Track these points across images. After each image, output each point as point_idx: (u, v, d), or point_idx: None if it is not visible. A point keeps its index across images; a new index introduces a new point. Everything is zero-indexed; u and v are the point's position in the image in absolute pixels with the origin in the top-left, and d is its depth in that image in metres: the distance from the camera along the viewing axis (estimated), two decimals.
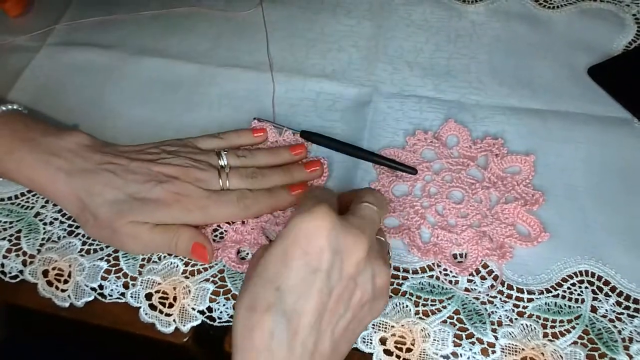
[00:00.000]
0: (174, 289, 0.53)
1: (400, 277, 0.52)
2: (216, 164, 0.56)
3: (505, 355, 0.47)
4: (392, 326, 0.49)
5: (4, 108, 0.57)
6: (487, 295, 0.51)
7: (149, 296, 0.53)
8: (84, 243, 0.56)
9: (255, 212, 0.55)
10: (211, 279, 0.53)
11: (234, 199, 0.54)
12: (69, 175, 0.53)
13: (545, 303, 0.50)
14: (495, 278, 0.52)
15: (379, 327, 0.49)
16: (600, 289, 0.51)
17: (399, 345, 0.49)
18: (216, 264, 0.54)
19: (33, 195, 0.60)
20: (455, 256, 0.53)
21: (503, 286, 0.51)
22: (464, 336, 0.49)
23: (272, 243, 0.41)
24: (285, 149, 0.60)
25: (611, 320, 0.49)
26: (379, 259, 0.43)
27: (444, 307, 0.50)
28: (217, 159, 0.57)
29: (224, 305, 0.52)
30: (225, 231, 0.56)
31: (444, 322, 0.49)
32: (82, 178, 0.53)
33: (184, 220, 0.53)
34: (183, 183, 0.53)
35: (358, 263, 0.41)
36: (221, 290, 0.52)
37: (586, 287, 0.51)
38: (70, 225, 0.58)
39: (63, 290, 0.54)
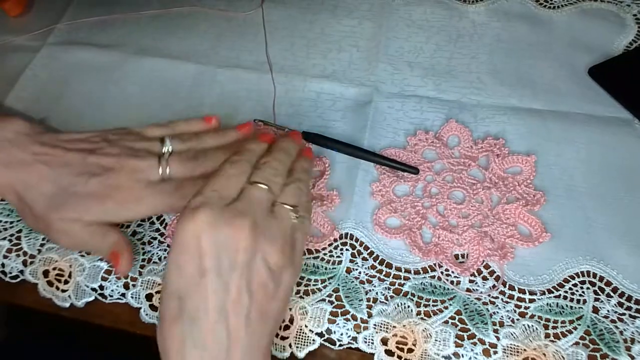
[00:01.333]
0: None
1: (402, 277, 0.52)
2: (157, 151, 0.54)
3: (507, 356, 0.47)
4: (394, 326, 0.49)
5: None
6: (489, 295, 0.51)
7: (149, 296, 0.53)
8: None
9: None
10: None
11: (171, 188, 0.52)
12: (6, 167, 0.52)
13: (547, 304, 0.50)
14: (497, 278, 0.52)
15: (381, 327, 0.49)
16: (602, 290, 0.51)
17: (400, 346, 0.49)
18: None
19: None
20: (456, 256, 0.53)
21: (505, 287, 0.51)
22: (465, 337, 0.49)
23: (168, 254, 0.42)
24: (232, 129, 0.58)
25: (613, 321, 0.49)
26: (268, 239, 0.42)
27: (446, 308, 0.50)
28: (161, 145, 0.54)
29: None
30: None
31: (446, 322, 0.49)
32: (18, 170, 0.51)
33: (118, 215, 0.52)
34: (117, 174, 0.51)
35: (245, 249, 0.41)
36: None
37: (588, 288, 0.51)
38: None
39: (63, 291, 0.54)
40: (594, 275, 0.51)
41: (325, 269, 0.53)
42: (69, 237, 0.51)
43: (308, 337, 0.50)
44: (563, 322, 0.49)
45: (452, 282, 0.52)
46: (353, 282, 0.52)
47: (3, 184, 0.52)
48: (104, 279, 0.54)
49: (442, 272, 0.52)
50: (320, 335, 0.50)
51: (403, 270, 0.53)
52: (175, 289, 0.42)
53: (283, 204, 0.46)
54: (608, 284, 0.51)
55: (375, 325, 0.50)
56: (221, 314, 0.41)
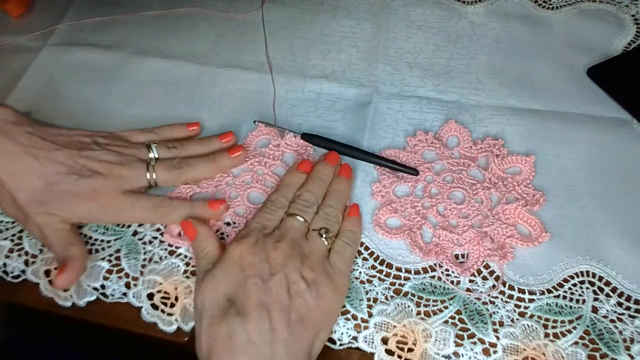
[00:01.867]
0: (176, 288, 0.53)
1: (402, 277, 0.53)
2: (145, 158, 0.57)
3: (507, 356, 0.48)
4: (394, 326, 0.49)
5: None
6: (489, 295, 0.51)
7: (150, 296, 0.53)
8: (85, 243, 0.56)
9: (173, 220, 0.56)
10: None
11: (150, 205, 0.55)
12: None
13: (547, 303, 0.50)
14: (497, 278, 0.52)
15: (381, 327, 0.49)
16: (601, 290, 0.51)
17: (400, 345, 0.49)
18: None
19: None
20: (456, 256, 0.54)
21: (504, 286, 0.51)
22: (465, 336, 0.49)
23: (214, 267, 0.49)
24: (215, 138, 0.61)
25: (612, 321, 0.49)
26: (300, 257, 0.49)
27: (446, 308, 0.50)
28: (147, 152, 0.57)
29: None
30: (227, 234, 0.56)
31: (446, 322, 0.50)
32: (5, 158, 0.52)
33: (97, 217, 0.55)
34: (105, 180, 0.54)
35: (282, 263, 0.48)
36: None
37: (587, 288, 0.51)
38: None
39: (65, 290, 0.54)
40: (594, 275, 0.52)
41: None
42: (44, 231, 0.52)
43: None
44: (562, 321, 0.49)
45: (452, 282, 0.52)
46: (353, 282, 0.52)
47: None
48: (105, 278, 0.54)
49: (442, 272, 0.52)
50: None
51: (403, 270, 0.53)
52: (224, 292, 0.47)
53: (314, 230, 0.52)
54: (607, 283, 0.51)
55: (375, 324, 0.50)
56: (263, 309, 0.45)
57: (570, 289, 0.51)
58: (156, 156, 0.57)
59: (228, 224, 0.57)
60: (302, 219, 0.52)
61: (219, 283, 0.47)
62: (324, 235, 0.51)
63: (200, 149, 0.60)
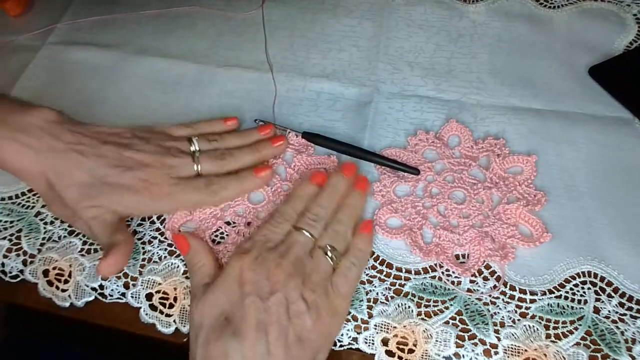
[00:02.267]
0: (175, 289, 0.52)
1: (403, 277, 0.52)
2: (187, 150, 0.57)
3: (508, 357, 0.47)
4: (394, 327, 0.49)
5: None
6: (490, 296, 0.51)
7: (149, 296, 0.53)
8: (84, 243, 0.56)
9: (223, 197, 0.56)
10: None
11: (201, 185, 0.55)
12: (37, 153, 0.52)
13: (548, 304, 0.50)
14: (498, 279, 0.52)
15: (381, 327, 0.49)
16: (603, 290, 0.51)
17: (401, 346, 0.49)
18: None
19: (34, 195, 0.60)
20: (457, 257, 0.53)
21: (505, 287, 0.51)
22: (466, 337, 0.49)
23: (214, 283, 0.48)
24: (254, 130, 0.61)
25: (614, 322, 0.49)
26: (302, 276, 0.47)
27: (446, 308, 0.50)
28: (189, 144, 0.57)
29: None
30: (227, 234, 0.56)
31: (447, 323, 0.49)
32: (51, 157, 0.52)
33: (150, 207, 0.54)
34: (153, 170, 0.54)
35: (283, 282, 0.46)
36: None
37: (589, 288, 0.51)
38: (70, 225, 0.57)
39: (63, 290, 0.54)
40: (595, 276, 0.51)
41: None
42: (91, 225, 0.52)
43: None
44: (564, 322, 0.49)
45: (452, 283, 0.52)
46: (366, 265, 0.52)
47: (33, 171, 0.52)
48: (103, 278, 0.54)
49: (442, 273, 0.52)
50: None
51: (404, 271, 0.53)
52: (221, 310, 0.46)
53: (320, 247, 0.50)
54: (609, 284, 0.51)
55: (375, 325, 0.50)
56: (260, 330, 0.44)
57: (571, 289, 0.51)
58: (198, 148, 0.57)
59: (228, 223, 0.57)
60: (308, 234, 0.50)
61: (217, 299, 0.46)
62: (329, 254, 0.50)
63: (239, 141, 0.60)
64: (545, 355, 0.47)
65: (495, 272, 0.52)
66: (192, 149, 0.57)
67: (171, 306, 0.52)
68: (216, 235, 0.56)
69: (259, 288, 0.46)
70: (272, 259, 0.48)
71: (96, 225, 0.51)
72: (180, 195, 0.54)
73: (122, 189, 0.52)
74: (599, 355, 0.47)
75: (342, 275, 0.49)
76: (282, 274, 0.47)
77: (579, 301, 0.50)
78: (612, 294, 0.50)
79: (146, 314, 0.52)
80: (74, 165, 0.52)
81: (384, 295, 0.51)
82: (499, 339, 0.48)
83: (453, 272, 0.52)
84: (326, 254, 0.50)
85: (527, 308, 0.50)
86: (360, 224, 0.54)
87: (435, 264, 0.53)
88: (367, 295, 0.51)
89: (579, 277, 0.51)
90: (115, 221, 0.53)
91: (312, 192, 0.55)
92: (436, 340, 0.48)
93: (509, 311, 0.50)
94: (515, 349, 0.48)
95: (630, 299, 0.50)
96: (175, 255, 0.55)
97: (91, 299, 0.53)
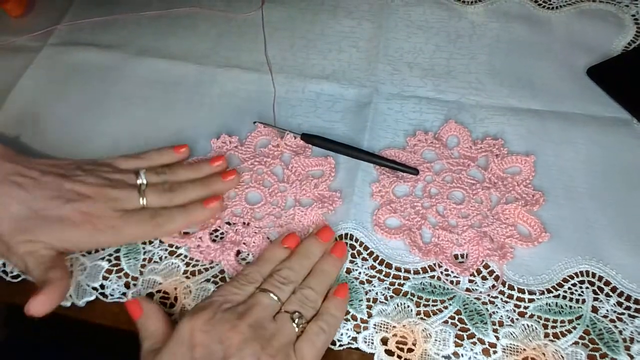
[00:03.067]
0: (175, 289, 0.53)
1: (402, 277, 0.52)
2: (134, 183, 0.54)
3: (507, 356, 0.48)
4: (394, 326, 0.49)
5: None
6: (488, 295, 0.51)
7: (150, 296, 0.53)
8: None
9: (169, 230, 0.54)
10: (212, 279, 0.53)
11: (146, 217, 0.53)
12: None
13: (546, 303, 0.50)
14: (497, 278, 0.52)
15: (381, 327, 0.49)
16: (601, 289, 0.51)
17: (400, 346, 0.49)
18: (217, 265, 0.54)
19: None
20: (456, 256, 0.54)
21: (504, 286, 0.51)
22: (465, 336, 0.49)
23: (163, 347, 0.44)
24: (206, 163, 0.59)
25: (612, 321, 0.49)
26: (261, 342, 0.44)
27: (445, 308, 0.50)
28: (135, 178, 0.55)
29: None
30: (226, 232, 0.56)
31: (445, 322, 0.50)
32: None
33: (90, 241, 0.52)
34: (95, 203, 0.51)
35: (237, 346, 0.43)
36: None
37: (587, 288, 0.51)
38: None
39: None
40: (593, 275, 0.52)
41: None
42: (26, 261, 0.49)
43: None
44: (562, 321, 0.49)
45: (451, 282, 0.52)
46: (353, 282, 0.52)
47: None
48: (104, 278, 0.54)
49: (441, 272, 0.52)
50: None
51: (403, 270, 0.53)
52: None
53: (286, 312, 0.47)
54: (607, 283, 0.51)
55: (375, 325, 0.50)
56: None
57: (570, 288, 0.51)
58: (145, 182, 0.54)
59: (228, 223, 0.57)
60: (275, 297, 0.47)
61: None
62: (296, 320, 0.46)
63: (190, 174, 0.58)
64: (543, 354, 0.47)
65: (494, 272, 0.52)
66: (139, 182, 0.54)
67: (172, 306, 0.52)
68: (216, 236, 0.56)
69: (210, 353, 0.42)
70: (228, 320, 0.44)
71: (31, 261, 0.49)
72: (123, 229, 0.52)
73: (61, 223, 0.50)
74: (597, 354, 0.47)
75: (308, 341, 0.46)
76: (238, 338, 0.43)
77: (577, 300, 0.50)
78: (610, 293, 0.51)
79: None
80: (9, 197, 0.50)
81: (383, 294, 0.51)
82: (497, 338, 0.48)
83: (452, 272, 0.52)
84: (293, 320, 0.46)
85: (525, 307, 0.50)
86: (334, 288, 0.51)
87: (434, 264, 0.53)
88: (366, 294, 0.52)
89: (577, 276, 0.52)
90: (52, 257, 0.50)
91: (282, 256, 0.52)
92: (435, 340, 0.49)
93: (507, 310, 0.50)
94: (513, 348, 0.48)
95: (628, 298, 0.50)
96: (175, 255, 0.55)
97: (92, 298, 0.53)
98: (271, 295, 0.47)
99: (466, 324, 0.49)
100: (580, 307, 0.50)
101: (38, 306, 0.47)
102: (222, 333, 0.43)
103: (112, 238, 0.52)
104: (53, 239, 0.50)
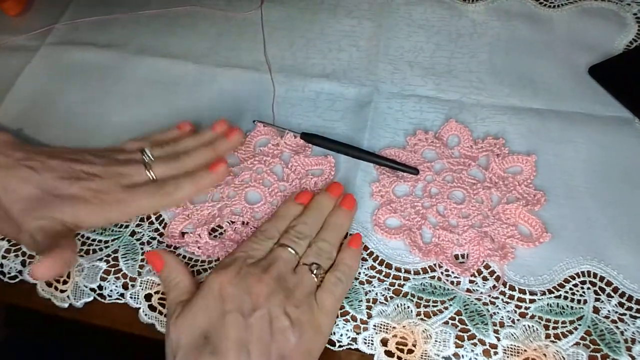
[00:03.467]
0: None
1: (402, 278, 0.52)
2: (140, 159, 0.56)
3: (508, 357, 0.47)
4: (394, 327, 0.49)
5: None
6: (489, 296, 0.51)
7: (148, 297, 0.52)
8: (83, 243, 0.56)
9: (179, 198, 0.55)
10: None
11: (154, 188, 0.54)
12: None
13: (548, 304, 0.50)
14: (497, 279, 0.51)
15: (381, 328, 0.49)
16: (603, 290, 0.50)
17: (400, 347, 0.48)
18: (215, 263, 0.54)
19: None
20: (456, 257, 0.53)
21: (505, 287, 0.51)
22: (465, 337, 0.49)
23: (193, 299, 0.46)
24: (207, 129, 0.61)
25: (613, 322, 0.49)
26: (286, 292, 0.46)
27: (446, 308, 0.50)
28: (141, 154, 0.56)
29: None
30: (225, 230, 0.56)
31: (446, 323, 0.49)
32: (0, 174, 0.52)
33: (101, 216, 0.53)
34: (103, 180, 0.53)
35: (265, 296, 0.45)
36: None
37: (588, 288, 0.51)
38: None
39: (62, 291, 0.54)
40: (595, 276, 0.51)
41: None
42: (35, 236, 0.50)
43: None
44: (564, 322, 0.49)
45: (452, 283, 0.51)
46: (353, 282, 0.52)
47: None
48: (102, 279, 0.54)
49: (442, 273, 0.52)
50: None
51: (403, 271, 0.53)
52: (200, 328, 0.45)
53: (304, 264, 0.49)
54: (609, 284, 0.51)
55: (375, 326, 0.49)
56: (242, 349, 0.43)
57: (571, 289, 0.51)
58: (151, 157, 0.56)
59: (228, 222, 0.56)
60: (292, 251, 0.49)
61: (195, 317, 0.45)
62: (314, 271, 0.49)
63: (193, 142, 0.59)
64: (544, 355, 0.47)
65: (495, 272, 0.52)
66: (145, 158, 0.56)
67: None
68: (214, 236, 0.56)
69: (240, 304, 0.45)
70: (254, 273, 0.47)
71: (41, 234, 0.50)
72: (132, 202, 0.53)
73: (72, 200, 0.51)
74: (598, 355, 0.47)
75: (327, 291, 0.48)
76: (265, 290, 0.45)
77: (579, 301, 0.50)
78: (612, 294, 0.50)
79: (145, 315, 0.52)
80: (21, 180, 0.52)
81: (383, 295, 0.51)
82: (498, 339, 0.48)
83: (452, 272, 0.52)
84: (311, 271, 0.49)
85: (526, 308, 0.50)
86: (348, 238, 0.53)
87: (435, 264, 0.53)
88: (366, 295, 0.51)
89: (579, 277, 0.51)
90: (62, 232, 0.51)
91: (296, 212, 0.54)
92: (435, 341, 0.48)
93: (508, 311, 0.50)
94: (514, 349, 0.48)
95: (630, 298, 0.50)
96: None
97: (90, 299, 0.53)
98: (289, 249, 0.49)
99: (467, 325, 0.49)
100: (582, 308, 0.49)
101: (42, 269, 0.48)
102: (249, 286, 0.46)
103: (121, 212, 0.54)
104: (64, 214, 0.51)
